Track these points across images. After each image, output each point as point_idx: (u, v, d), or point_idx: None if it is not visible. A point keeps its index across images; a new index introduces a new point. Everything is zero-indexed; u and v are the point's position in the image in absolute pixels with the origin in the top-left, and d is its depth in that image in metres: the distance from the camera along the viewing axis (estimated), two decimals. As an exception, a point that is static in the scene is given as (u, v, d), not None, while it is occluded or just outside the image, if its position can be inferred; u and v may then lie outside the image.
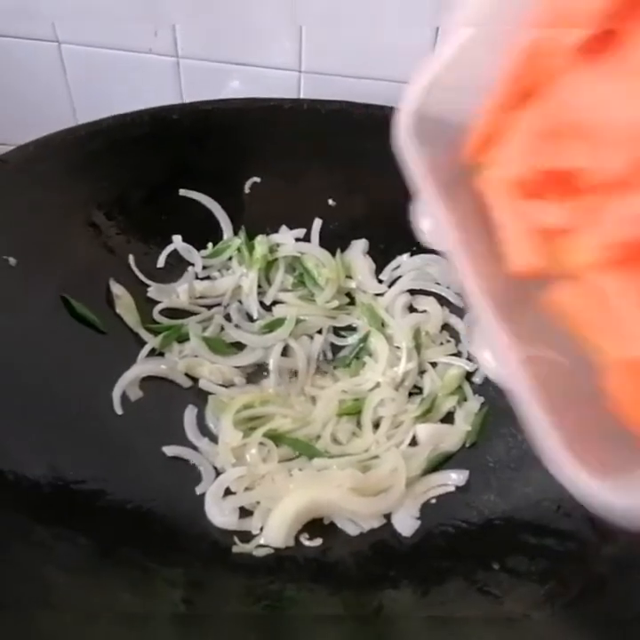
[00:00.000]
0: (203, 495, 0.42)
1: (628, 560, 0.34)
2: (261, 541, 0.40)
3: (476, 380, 0.51)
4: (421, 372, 0.52)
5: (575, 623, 0.33)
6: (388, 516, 0.43)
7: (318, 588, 0.38)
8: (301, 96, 0.64)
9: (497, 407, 0.49)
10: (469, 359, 0.53)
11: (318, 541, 0.41)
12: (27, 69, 0.67)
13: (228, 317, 0.55)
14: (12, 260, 0.47)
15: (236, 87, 0.64)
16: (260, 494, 0.42)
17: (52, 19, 0.62)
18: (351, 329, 0.56)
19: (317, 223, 0.59)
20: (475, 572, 0.37)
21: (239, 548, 0.40)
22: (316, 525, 0.42)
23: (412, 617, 0.37)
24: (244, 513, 0.42)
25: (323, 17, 0.57)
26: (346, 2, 0.56)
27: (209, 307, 0.56)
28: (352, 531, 0.42)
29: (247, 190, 0.59)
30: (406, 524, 0.42)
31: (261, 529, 0.41)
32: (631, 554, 0.34)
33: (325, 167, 0.58)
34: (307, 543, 0.41)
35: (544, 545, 0.37)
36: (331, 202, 0.59)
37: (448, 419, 0.50)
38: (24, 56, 0.66)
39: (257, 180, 0.59)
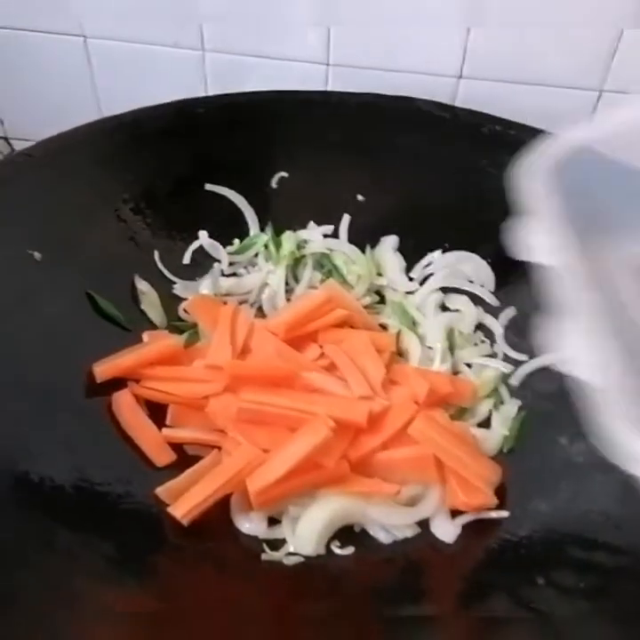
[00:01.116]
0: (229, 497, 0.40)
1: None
2: (291, 549, 0.39)
3: (513, 382, 0.49)
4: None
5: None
6: (423, 525, 0.41)
7: (350, 598, 0.36)
8: (329, 89, 0.62)
9: (536, 411, 0.47)
10: (505, 360, 0.50)
11: (350, 549, 0.39)
12: (53, 64, 0.67)
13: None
14: (37, 255, 0.46)
15: (261, 80, 0.63)
16: (287, 501, 0.40)
17: (80, 17, 0.62)
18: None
19: (346, 219, 0.57)
20: (518, 586, 0.35)
21: (268, 555, 0.38)
22: (347, 533, 0.40)
23: (451, 633, 0.35)
24: (273, 520, 0.40)
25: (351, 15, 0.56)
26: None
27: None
28: (385, 539, 0.40)
29: (274, 185, 0.57)
30: (447, 531, 0.40)
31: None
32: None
33: (354, 162, 0.56)
34: (338, 551, 0.39)
35: (593, 559, 0.35)
36: (359, 197, 0.57)
37: (485, 424, 0.47)
38: (50, 51, 0.66)
39: (284, 174, 0.57)
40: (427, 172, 0.56)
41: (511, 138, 0.53)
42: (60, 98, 0.66)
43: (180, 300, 0.53)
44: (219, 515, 0.39)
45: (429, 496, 0.41)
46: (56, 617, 0.31)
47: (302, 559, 0.38)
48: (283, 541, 0.39)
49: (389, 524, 0.40)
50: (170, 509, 0.38)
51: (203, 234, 0.55)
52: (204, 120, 0.55)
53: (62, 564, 0.33)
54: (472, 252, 0.55)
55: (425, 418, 0.43)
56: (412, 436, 0.42)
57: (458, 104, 0.58)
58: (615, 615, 0.32)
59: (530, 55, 0.56)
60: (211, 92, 0.64)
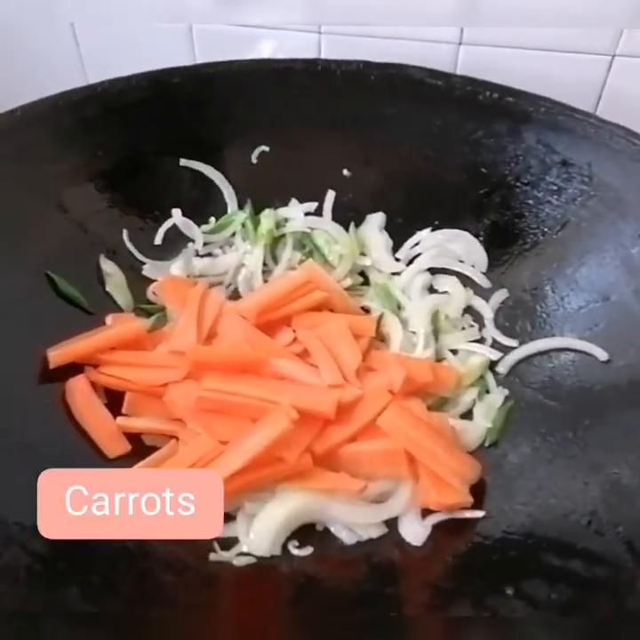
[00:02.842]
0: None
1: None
2: (244, 549, 0.36)
3: (501, 369, 0.45)
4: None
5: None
6: (389, 525, 0.37)
7: (304, 605, 0.33)
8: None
9: (523, 401, 0.43)
10: (494, 346, 0.47)
11: (308, 550, 0.36)
12: (39, 38, 0.64)
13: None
14: (-9, 234, 0.44)
15: (253, 52, 0.60)
16: (244, 497, 0.37)
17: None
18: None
19: (330, 196, 0.54)
20: (484, 596, 0.32)
21: (217, 555, 0.35)
22: (307, 531, 0.37)
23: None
24: (228, 517, 0.37)
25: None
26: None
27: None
28: (348, 539, 0.37)
29: (254, 160, 0.54)
30: (415, 532, 0.37)
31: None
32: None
33: (340, 135, 0.53)
34: (295, 552, 0.36)
35: (569, 569, 0.32)
36: (345, 172, 0.54)
37: (469, 415, 0.44)
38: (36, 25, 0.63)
39: (265, 148, 0.54)
40: (418, 144, 0.52)
41: (510, 106, 0.49)
42: (43, 67, 0.64)
43: (149, 281, 0.50)
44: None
45: (399, 493, 0.38)
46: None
47: (254, 560, 0.35)
48: (236, 540, 0.36)
49: (353, 522, 0.37)
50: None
51: (176, 212, 0.53)
52: (179, 91, 0.52)
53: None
54: (464, 229, 0.52)
55: (397, 408, 0.39)
56: (382, 427, 0.38)
57: (459, 73, 0.54)
58: (587, 633, 0.28)
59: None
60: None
